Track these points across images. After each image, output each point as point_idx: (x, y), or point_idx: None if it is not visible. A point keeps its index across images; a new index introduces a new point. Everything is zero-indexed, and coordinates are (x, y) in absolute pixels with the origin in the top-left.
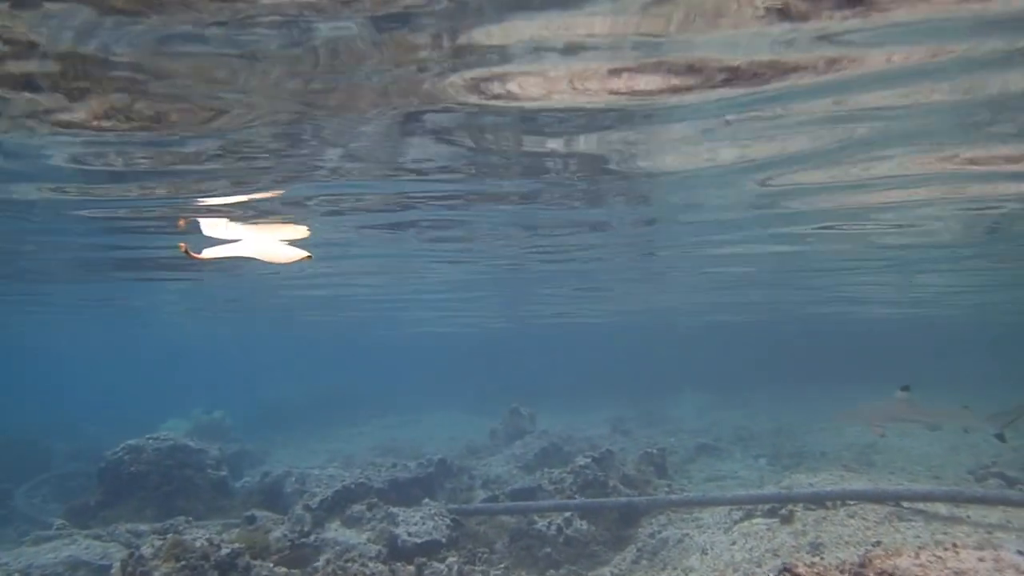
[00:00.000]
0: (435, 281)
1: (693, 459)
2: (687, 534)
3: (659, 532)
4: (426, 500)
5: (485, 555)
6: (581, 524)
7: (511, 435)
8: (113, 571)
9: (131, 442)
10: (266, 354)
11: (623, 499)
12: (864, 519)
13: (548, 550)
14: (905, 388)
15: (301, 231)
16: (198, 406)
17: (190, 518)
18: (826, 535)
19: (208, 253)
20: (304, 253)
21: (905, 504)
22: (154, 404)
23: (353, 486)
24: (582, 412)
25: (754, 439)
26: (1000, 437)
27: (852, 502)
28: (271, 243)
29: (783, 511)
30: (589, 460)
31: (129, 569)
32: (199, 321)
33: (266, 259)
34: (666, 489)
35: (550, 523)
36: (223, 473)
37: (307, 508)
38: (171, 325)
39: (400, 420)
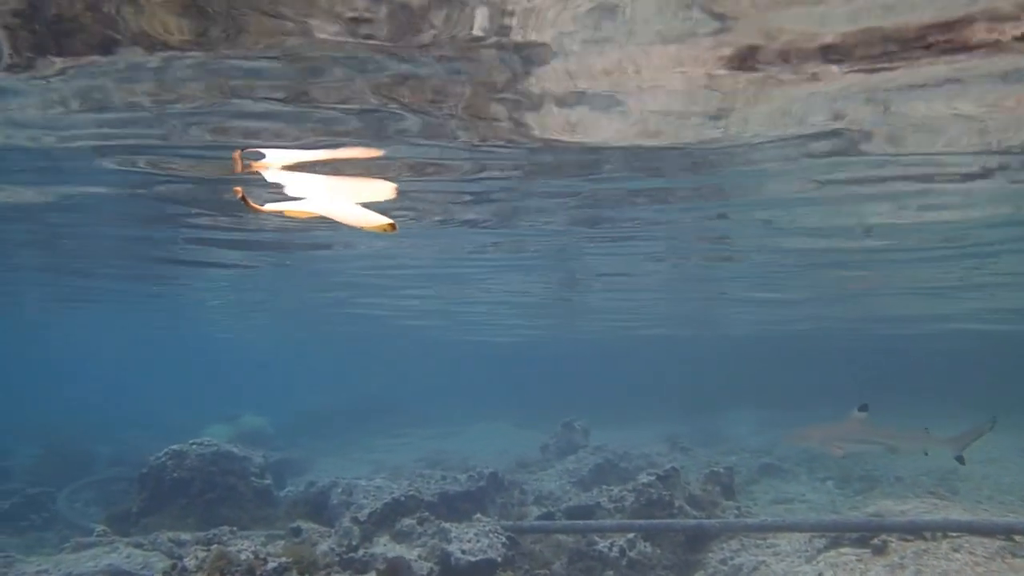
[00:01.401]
0: (487, 286)
1: (756, 480)
2: (763, 561)
3: (731, 558)
4: (477, 515)
5: None
6: (645, 547)
7: (563, 449)
8: None
9: (174, 447)
10: (306, 362)
11: (692, 521)
12: (972, 553)
13: (610, 573)
14: (863, 408)
15: (387, 189)
16: (240, 412)
17: (234, 528)
18: (928, 570)
19: (271, 206)
20: (385, 220)
21: (1018, 538)
22: (196, 410)
23: (403, 499)
24: (633, 427)
25: (819, 460)
26: (960, 460)
27: (954, 534)
28: (348, 202)
29: (875, 541)
30: (653, 478)
31: None
32: (241, 324)
33: (339, 220)
34: (735, 511)
35: (612, 544)
36: (267, 482)
37: (355, 521)
38: (214, 330)
39: (443, 431)
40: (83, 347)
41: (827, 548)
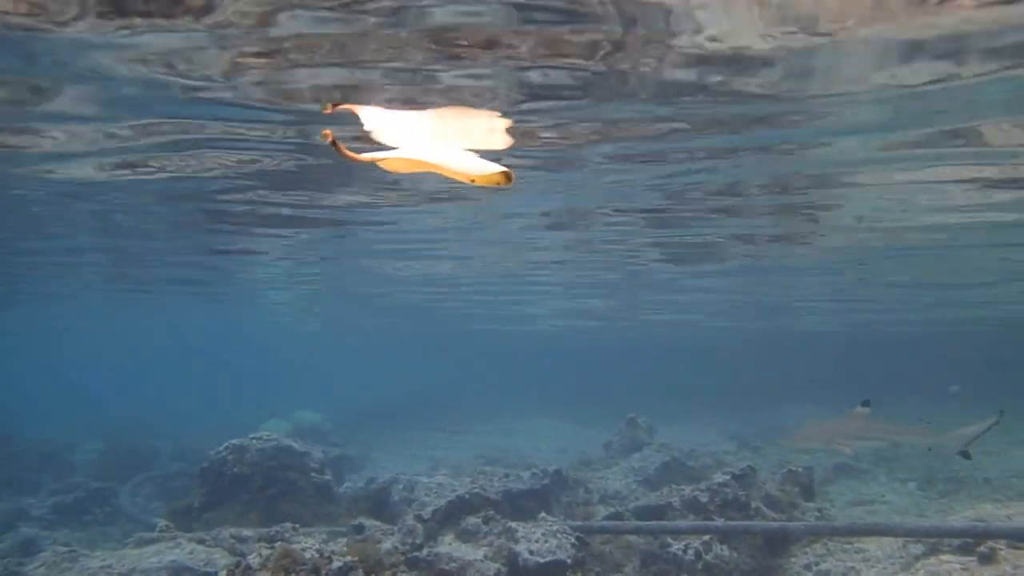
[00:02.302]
0: (545, 274)
1: (831, 480)
2: (853, 568)
3: (817, 564)
4: (542, 514)
5: None
6: (722, 550)
7: (627, 447)
8: None
9: (234, 442)
10: (361, 358)
11: (775, 523)
12: None
13: None
14: (866, 403)
15: (503, 131)
16: (297, 408)
17: (296, 525)
18: None
19: (367, 155)
20: (499, 168)
21: None
22: (251, 406)
23: (468, 496)
24: (692, 424)
25: (899, 460)
26: (965, 455)
27: None
28: (456, 147)
29: (981, 548)
30: (728, 477)
31: None
32: (296, 318)
33: (444, 170)
34: (816, 514)
35: (687, 547)
36: (327, 477)
37: (419, 519)
38: (270, 325)
39: (500, 428)
40: (139, 342)
41: (925, 555)
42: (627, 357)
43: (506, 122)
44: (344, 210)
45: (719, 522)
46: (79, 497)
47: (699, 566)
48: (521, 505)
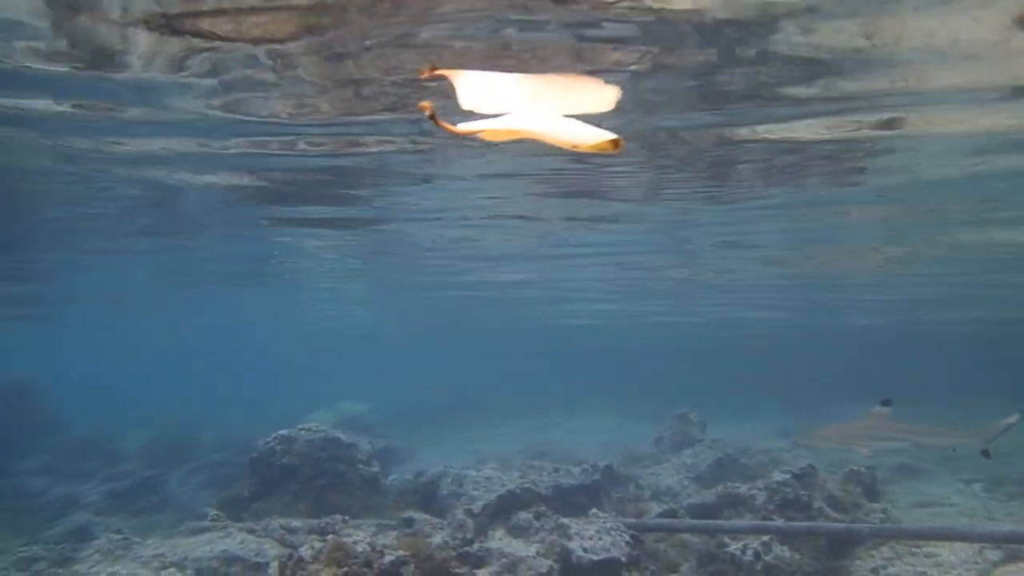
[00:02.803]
0: (590, 265)
1: (892, 480)
2: (924, 573)
3: (884, 568)
4: (594, 510)
5: None
6: (782, 550)
7: (678, 443)
8: (271, 571)
9: (283, 432)
10: (404, 350)
11: (840, 524)
12: None
13: None
14: (886, 403)
15: (607, 95)
16: (340, 399)
17: (346, 517)
18: None
19: (465, 126)
20: (607, 135)
21: None
22: (296, 396)
23: (518, 491)
24: (743, 420)
25: (963, 461)
26: (985, 454)
27: None
28: (558, 114)
29: None
30: (788, 476)
31: (288, 572)
32: (340, 309)
33: (548, 139)
34: (881, 515)
35: (745, 547)
36: (375, 469)
37: (469, 513)
38: (312, 316)
39: (544, 423)
40: (183, 334)
41: (1003, 562)
42: (672, 351)
43: (615, 89)
44: (394, 197)
45: (780, 522)
46: (130, 485)
47: (759, 567)
48: (571, 500)
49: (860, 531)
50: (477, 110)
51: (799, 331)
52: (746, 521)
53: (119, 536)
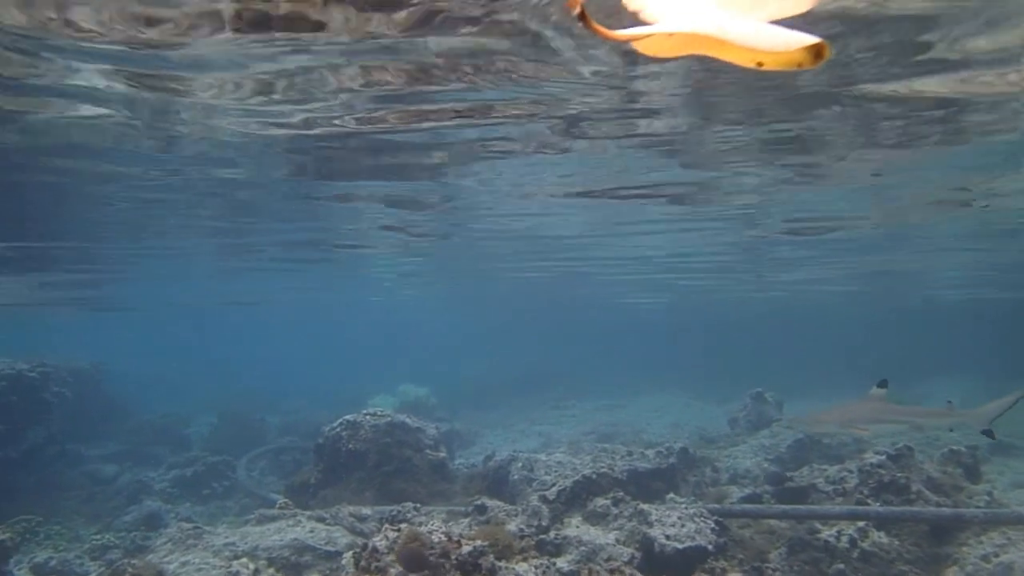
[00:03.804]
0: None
1: (986, 459)
2: None
3: (996, 555)
4: (671, 495)
5: (770, 571)
6: (880, 537)
7: (754, 423)
8: (344, 561)
9: (348, 417)
10: (464, 331)
11: (948, 510)
12: None
13: (841, 567)
14: (883, 384)
15: None
16: (401, 382)
17: (417, 504)
18: None
19: (624, 32)
20: (811, 38)
21: None
22: (355, 380)
23: (594, 476)
24: (818, 398)
25: None
26: (988, 433)
27: None
28: (745, 16)
29: None
30: (883, 458)
31: (363, 563)
32: (400, 292)
33: (728, 49)
34: (986, 498)
35: (839, 533)
36: (442, 454)
37: (544, 499)
38: (373, 299)
39: (609, 403)
40: (246, 319)
41: None
42: (744, 329)
43: None
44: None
45: (879, 507)
46: (198, 471)
47: (855, 555)
48: (647, 485)
49: (971, 517)
50: (642, 12)
51: (878, 305)
52: (841, 506)
53: (190, 525)
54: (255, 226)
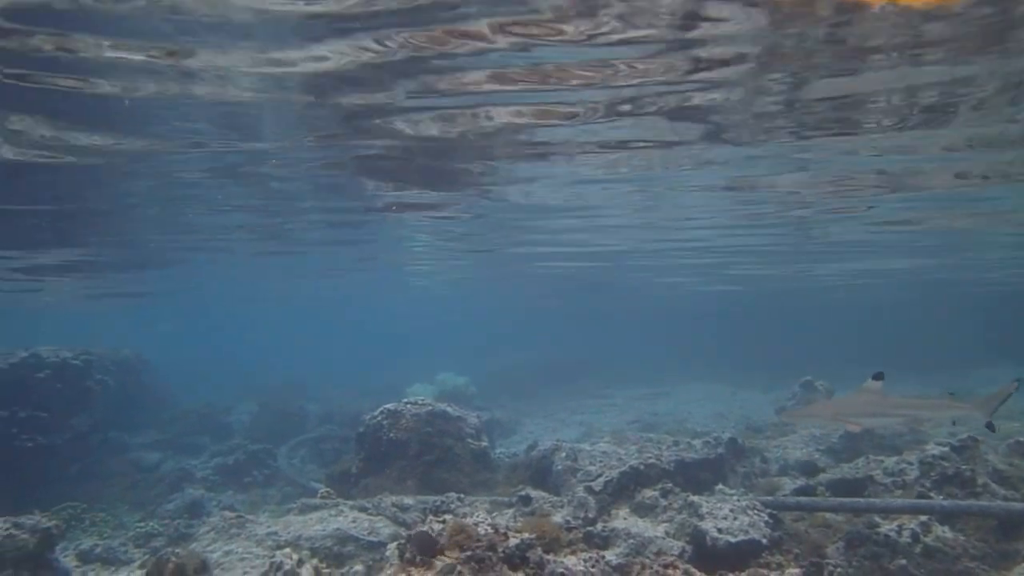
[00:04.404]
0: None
1: None
2: None
3: None
4: (719, 486)
5: (831, 568)
6: (944, 531)
7: None
8: (388, 553)
9: (389, 406)
10: (502, 318)
11: (1018, 504)
12: None
13: (903, 562)
14: (878, 376)
15: None
16: (439, 371)
17: (461, 495)
18: None
19: None
20: None
21: None
22: (393, 369)
23: (642, 467)
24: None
25: None
26: (990, 427)
27: None
28: None
29: None
30: (946, 449)
31: (408, 555)
32: (437, 280)
33: None
34: None
35: (900, 527)
36: (484, 443)
37: (590, 491)
38: (412, 287)
39: (651, 392)
40: (284, 308)
41: None
42: (787, 317)
43: None
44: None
45: (945, 501)
46: (239, 459)
47: (917, 550)
48: (694, 476)
49: None
50: None
51: (936, 288)
52: (903, 500)
53: (233, 514)
54: (293, 212)
